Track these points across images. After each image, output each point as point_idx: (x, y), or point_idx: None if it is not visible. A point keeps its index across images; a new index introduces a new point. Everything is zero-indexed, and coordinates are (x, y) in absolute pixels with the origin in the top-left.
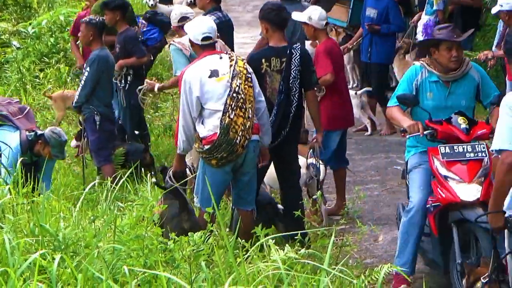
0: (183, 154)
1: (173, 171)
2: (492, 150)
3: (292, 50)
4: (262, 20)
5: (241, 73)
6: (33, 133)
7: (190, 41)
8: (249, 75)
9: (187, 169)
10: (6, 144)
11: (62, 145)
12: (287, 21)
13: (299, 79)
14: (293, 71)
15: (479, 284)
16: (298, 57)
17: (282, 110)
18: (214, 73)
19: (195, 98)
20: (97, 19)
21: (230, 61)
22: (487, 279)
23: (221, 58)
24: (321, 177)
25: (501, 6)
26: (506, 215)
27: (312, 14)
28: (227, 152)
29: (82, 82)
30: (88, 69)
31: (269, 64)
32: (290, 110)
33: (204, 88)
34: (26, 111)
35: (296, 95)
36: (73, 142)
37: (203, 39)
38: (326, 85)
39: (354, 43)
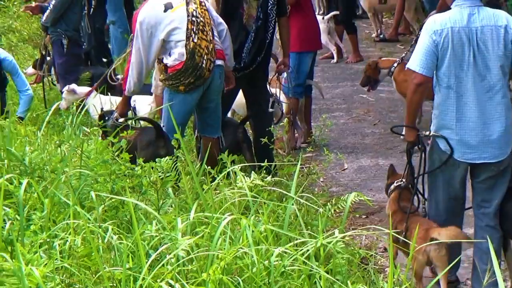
0: (129, 96)
1: (118, 113)
2: (406, 68)
3: None
4: None
5: None
6: None
7: None
8: (202, 0)
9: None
10: None
11: None
12: None
13: (276, 5)
14: None
15: (392, 187)
16: None
17: (259, 37)
18: (168, 6)
19: (158, 42)
20: None
21: None
22: (399, 184)
23: None
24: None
25: None
26: (419, 132)
27: None
28: (194, 77)
29: (51, 6)
30: None
31: None
32: (266, 36)
33: (163, 24)
34: None
35: (272, 22)
36: (29, 70)
37: None
38: (291, 5)
39: None
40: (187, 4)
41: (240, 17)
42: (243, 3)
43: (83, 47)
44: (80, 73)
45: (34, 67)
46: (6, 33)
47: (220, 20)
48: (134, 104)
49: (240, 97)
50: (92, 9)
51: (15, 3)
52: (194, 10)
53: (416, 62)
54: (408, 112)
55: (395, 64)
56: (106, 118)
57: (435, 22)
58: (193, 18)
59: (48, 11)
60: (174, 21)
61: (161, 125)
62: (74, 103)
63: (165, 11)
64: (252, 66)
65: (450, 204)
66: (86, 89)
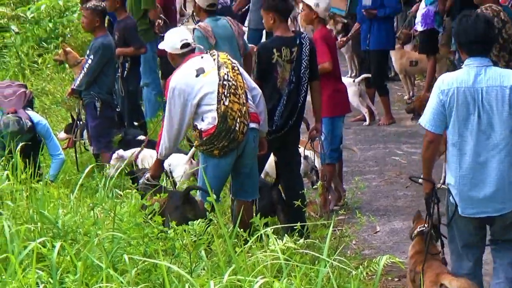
0: (162, 160)
1: (150, 175)
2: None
3: (302, 40)
4: (268, 10)
5: (226, 63)
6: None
7: (170, 54)
8: (234, 64)
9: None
10: None
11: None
12: (291, 11)
13: (308, 69)
14: (304, 61)
15: (415, 231)
16: (308, 47)
17: (291, 100)
18: (199, 71)
19: (191, 107)
20: (102, 5)
21: (212, 56)
22: (422, 229)
23: (202, 57)
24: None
25: None
26: (435, 185)
27: (321, 2)
28: (228, 140)
29: (85, 69)
30: (91, 56)
31: (280, 54)
32: (298, 100)
33: (195, 89)
34: (18, 93)
35: (305, 85)
36: (62, 134)
37: (182, 46)
38: (322, 73)
39: (352, 32)
40: (219, 68)
41: (274, 81)
42: (277, 66)
43: (117, 109)
44: (112, 136)
45: (66, 131)
46: (39, 95)
47: (254, 85)
48: (170, 168)
49: (273, 159)
50: (125, 71)
51: (48, 65)
52: (225, 74)
53: (426, 120)
54: (423, 166)
55: None
56: (138, 177)
57: (443, 82)
58: (225, 82)
59: (81, 75)
60: (205, 86)
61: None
62: (107, 165)
63: (196, 76)
64: (284, 129)
65: (466, 252)
66: (132, 151)
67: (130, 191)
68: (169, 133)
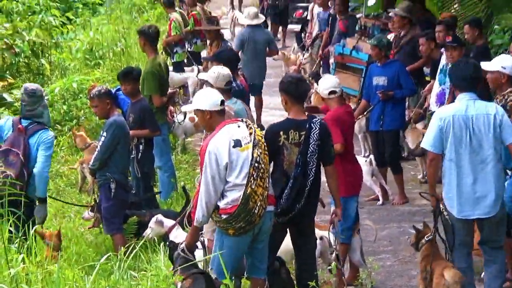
0: (199, 228)
1: (187, 243)
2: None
3: (312, 124)
4: (281, 91)
5: (260, 142)
6: None
7: (208, 112)
8: (265, 144)
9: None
10: None
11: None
12: (307, 94)
13: (317, 153)
14: (311, 146)
15: (423, 241)
16: (318, 131)
17: (298, 184)
18: (237, 143)
19: (223, 166)
20: (105, 88)
21: (249, 129)
22: (430, 237)
23: (239, 126)
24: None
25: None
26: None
27: (319, 84)
28: (245, 222)
29: (99, 147)
30: (104, 134)
31: (287, 137)
32: (306, 183)
33: (229, 159)
34: None
35: (313, 169)
36: (87, 214)
37: (222, 103)
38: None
39: (360, 116)
40: (254, 147)
41: (281, 163)
42: (283, 149)
43: (132, 191)
44: (125, 218)
45: (92, 211)
46: (53, 178)
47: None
48: (203, 238)
49: (285, 244)
50: (140, 154)
51: (63, 148)
52: (258, 155)
53: (428, 142)
54: (429, 183)
55: None
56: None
57: (441, 112)
58: (256, 164)
59: (95, 154)
60: (238, 161)
61: (210, 267)
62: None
63: (234, 146)
64: (291, 212)
65: (461, 249)
66: (171, 222)
67: (145, 273)
68: (206, 197)
